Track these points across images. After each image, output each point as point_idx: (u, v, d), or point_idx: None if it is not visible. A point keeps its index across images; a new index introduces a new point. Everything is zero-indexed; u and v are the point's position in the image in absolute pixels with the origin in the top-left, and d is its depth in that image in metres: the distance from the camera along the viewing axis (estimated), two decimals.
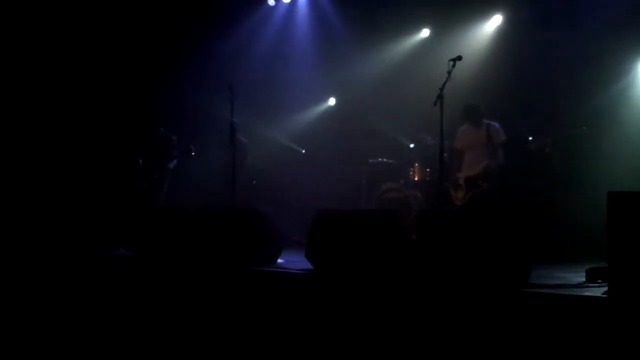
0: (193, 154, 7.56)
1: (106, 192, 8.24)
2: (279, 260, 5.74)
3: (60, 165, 8.28)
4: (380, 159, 8.33)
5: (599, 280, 4.11)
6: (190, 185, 8.36)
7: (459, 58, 5.55)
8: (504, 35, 8.03)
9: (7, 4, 7.97)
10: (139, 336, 5.06)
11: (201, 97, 8.94)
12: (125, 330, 5.17)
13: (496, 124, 6.80)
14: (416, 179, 7.84)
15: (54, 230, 6.84)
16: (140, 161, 7.66)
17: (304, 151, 9.52)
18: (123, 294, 5.65)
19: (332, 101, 9.79)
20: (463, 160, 6.98)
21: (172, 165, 7.66)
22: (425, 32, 8.79)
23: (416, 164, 7.88)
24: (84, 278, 5.97)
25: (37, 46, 8.28)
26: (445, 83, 5.50)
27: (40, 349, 4.83)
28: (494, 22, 8.18)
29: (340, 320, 4.45)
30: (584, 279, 4.27)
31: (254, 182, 8.75)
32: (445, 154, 5.80)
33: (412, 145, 8.23)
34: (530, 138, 6.75)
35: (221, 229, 5.75)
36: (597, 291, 3.78)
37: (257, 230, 5.61)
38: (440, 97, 5.52)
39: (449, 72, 5.52)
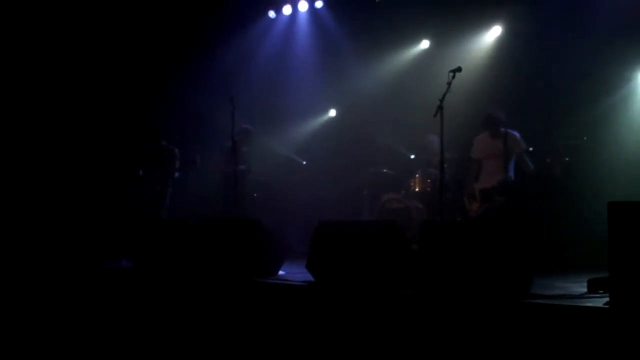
0: (197, 163, 7.59)
1: (108, 203, 8.25)
2: (280, 272, 5.73)
3: (62, 177, 8.30)
4: (381, 170, 8.34)
5: (601, 291, 4.11)
6: (193, 196, 8.37)
7: (459, 69, 5.56)
8: (503, 46, 8.05)
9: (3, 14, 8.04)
10: (141, 349, 5.05)
11: (203, 109, 8.99)
12: (127, 343, 5.16)
13: (515, 133, 6.63)
14: (417, 189, 7.85)
15: (55, 242, 6.85)
16: (141, 172, 7.68)
17: (305, 162, 9.54)
18: (125, 306, 5.65)
19: (333, 112, 9.81)
20: (480, 171, 6.83)
21: (175, 177, 7.69)
22: (425, 44, 8.82)
23: (417, 175, 7.89)
24: (85, 290, 5.96)
25: (39, 61, 8.33)
26: (445, 94, 5.51)
27: None
28: (493, 33, 8.21)
29: (340, 333, 4.44)
30: (585, 290, 4.27)
31: (255, 195, 8.77)
32: (445, 165, 5.77)
33: (412, 156, 8.25)
34: (531, 149, 6.75)
35: (223, 239, 5.76)
36: (599, 302, 3.78)
37: (259, 241, 5.61)
38: (440, 108, 5.52)
39: (449, 83, 5.53)
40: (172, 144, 7.85)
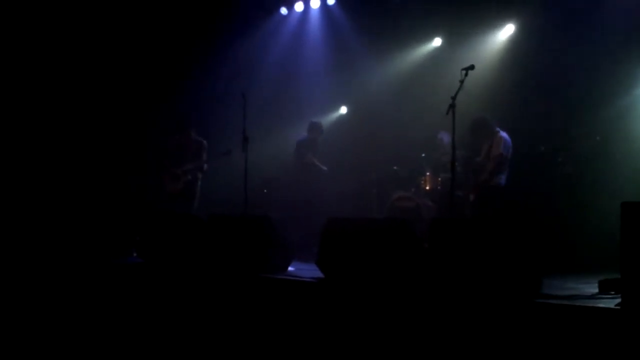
0: (232, 154, 7.58)
1: (118, 197, 8.28)
2: (290, 268, 5.75)
3: (74, 171, 8.34)
4: (390, 168, 8.32)
5: (612, 292, 4.08)
6: (204, 191, 8.38)
7: (472, 67, 5.51)
8: (516, 44, 8.00)
9: (19, 8, 8.10)
10: (150, 343, 5.07)
11: (214, 105, 9.00)
12: (136, 337, 5.19)
13: (502, 134, 6.58)
14: (427, 188, 7.81)
15: (66, 236, 6.89)
16: (170, 164, 7.63)
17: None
18: (134, 301, 5.67)
19: (343, 109, 9.81)
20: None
21: (204, 168, 7.70)
22: (437, 41, 8.78)
23: (427, 173, 7.86)
24: (95, 285, 6.00)
25: (64, 57, 8.39)
26: (457, 92, 5.48)
27: (50, 356, 4.85)
28: (506, 32, 8.16)
29: (350, 329, 4.45)
30: (596, 290, 4.25)
31: (265, 190, 8.78)
32: (456, 164, 5.74)
33: (423, 154, 8.22)
34: (543, 148, 6.71)
35: (233, 235, 5.78)
36: (610, 302, 3.76)
37: (269, 237, 5.63)
38: (452, 106, 5.49)
39: (462, 81, 5.49)
40: (201, 136, 7.84)
